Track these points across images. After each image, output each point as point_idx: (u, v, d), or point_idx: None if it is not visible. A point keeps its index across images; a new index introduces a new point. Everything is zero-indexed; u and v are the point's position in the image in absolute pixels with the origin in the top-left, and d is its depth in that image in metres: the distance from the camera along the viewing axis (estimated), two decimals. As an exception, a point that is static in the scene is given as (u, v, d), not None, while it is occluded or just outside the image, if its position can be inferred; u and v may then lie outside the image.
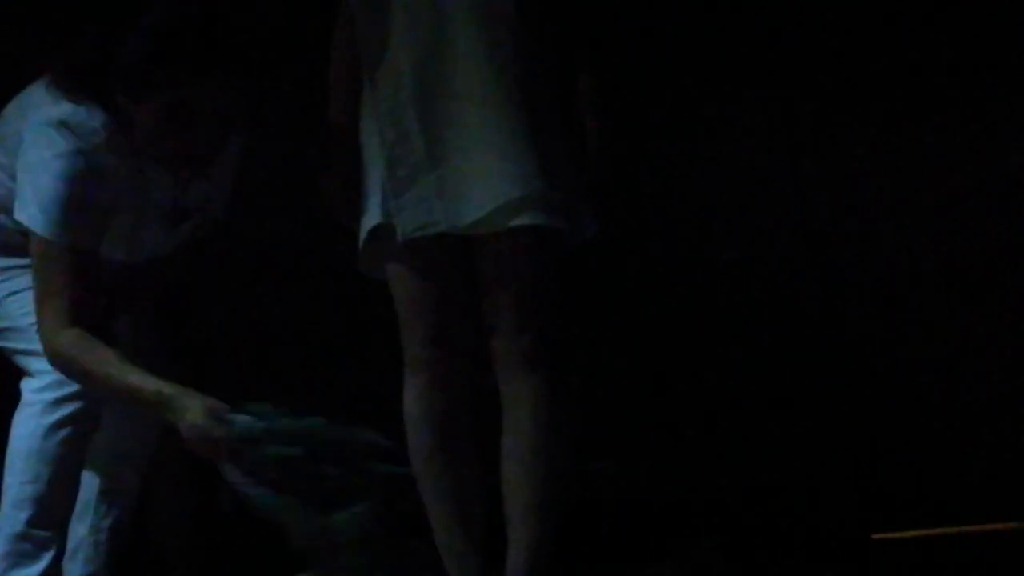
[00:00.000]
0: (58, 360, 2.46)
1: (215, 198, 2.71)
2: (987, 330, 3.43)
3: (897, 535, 3.29)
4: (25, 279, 2.58)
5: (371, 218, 2.35)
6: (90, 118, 2.49)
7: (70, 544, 2.67)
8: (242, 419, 2.28)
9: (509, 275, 2.32)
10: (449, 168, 2.30)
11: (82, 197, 2.47)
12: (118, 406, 2.60)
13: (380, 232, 2.35)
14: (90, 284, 2.49)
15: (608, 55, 2.46)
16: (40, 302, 2.47)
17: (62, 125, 2.48)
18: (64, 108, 2.49)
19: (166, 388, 2.35)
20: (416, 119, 2.31)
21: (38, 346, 2.51)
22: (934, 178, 3.47)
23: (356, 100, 2.42)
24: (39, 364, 2.54)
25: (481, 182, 2.28)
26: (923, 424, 3.40)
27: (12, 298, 2.62)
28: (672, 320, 3.52)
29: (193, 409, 2.31)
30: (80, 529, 2.71)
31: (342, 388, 3.38)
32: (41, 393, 2.53)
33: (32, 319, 2.53)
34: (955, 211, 3.45)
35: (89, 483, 2.70)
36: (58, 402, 2.53)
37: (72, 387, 2.52)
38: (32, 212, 2.47)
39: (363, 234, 2.37)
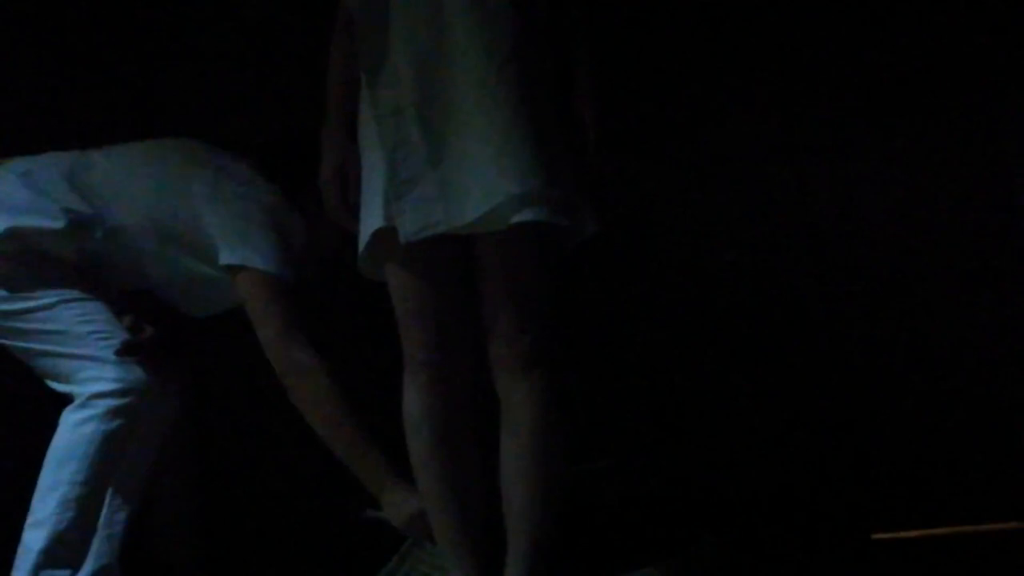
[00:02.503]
0: (296, 377, 2.68)
1: None
2: (987, 329, 3.43)
3: (897, 535, 3.29)
4: (77, 291, 2.70)
5: (373, 222, 2.34)
6: (286, 200, 2.81)
7: None
8: None
9: (509, 274, 2.32)
10: (449, 169, 2.30)
11: (287, 244, 2.76)
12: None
13: (381, 235, 2.34)
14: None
15: (607, 53, 2.46)
16: (279, 331, 2.69)
17: (270, 188, 2.80)
18: (266, 184, 2.81)
19: (388, 477, 2.65)
20: (417, 121, 2.31)
21: (95, 352, 2.63)
22: (934, 178, 3.47)
23: (354, 104, 2.42)
24: (95, 370, 2.62)
25: (480, 181, 2.27)
26: (923, 424, 3.40)
27: (65, 305, 2.69)
28: (672, 320, 3.52)
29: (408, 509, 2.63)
30: None
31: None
32: (104, 399, 2.61)
33: (91, 327, 2.66)
34: (955, 211, 3.46)
35: None
36: (119, 410, 2.62)
37: (132, 398, 2.62)
38: (266, 255, 2.71)
39: (364, 238, 2.36)
